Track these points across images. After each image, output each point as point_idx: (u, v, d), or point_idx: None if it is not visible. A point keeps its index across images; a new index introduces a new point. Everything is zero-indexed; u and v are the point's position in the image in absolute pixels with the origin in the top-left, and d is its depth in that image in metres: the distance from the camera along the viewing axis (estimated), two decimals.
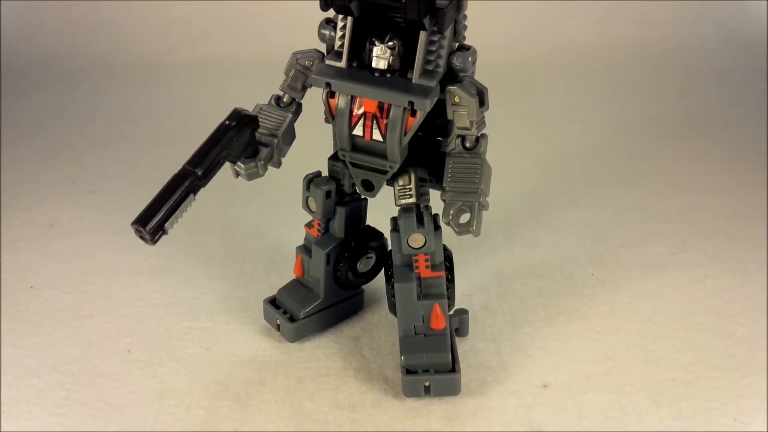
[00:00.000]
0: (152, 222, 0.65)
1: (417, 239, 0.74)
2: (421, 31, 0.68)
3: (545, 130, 1.31)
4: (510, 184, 1.12)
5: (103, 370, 0.80)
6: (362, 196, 0.81)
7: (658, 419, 0.75)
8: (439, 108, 0.71)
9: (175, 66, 1.52)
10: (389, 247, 0.80)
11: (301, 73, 0.75)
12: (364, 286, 0.88)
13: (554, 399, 0.77)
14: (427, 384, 0.75)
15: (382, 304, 0.88)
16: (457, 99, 0.70)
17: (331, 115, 0.72)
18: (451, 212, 0.70)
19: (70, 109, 1.38)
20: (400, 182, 0.74)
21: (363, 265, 0.84)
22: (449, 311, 0.80)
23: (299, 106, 0.77)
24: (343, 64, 0.71)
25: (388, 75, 0.70)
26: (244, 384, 0.79)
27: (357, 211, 0.83)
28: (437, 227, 0.76)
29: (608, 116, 1.36)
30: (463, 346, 0.83)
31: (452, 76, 0.71)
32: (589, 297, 0.91)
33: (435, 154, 0.75)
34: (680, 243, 1.01)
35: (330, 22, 0.73)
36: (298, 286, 0.86)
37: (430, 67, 0.69)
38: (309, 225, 0.84)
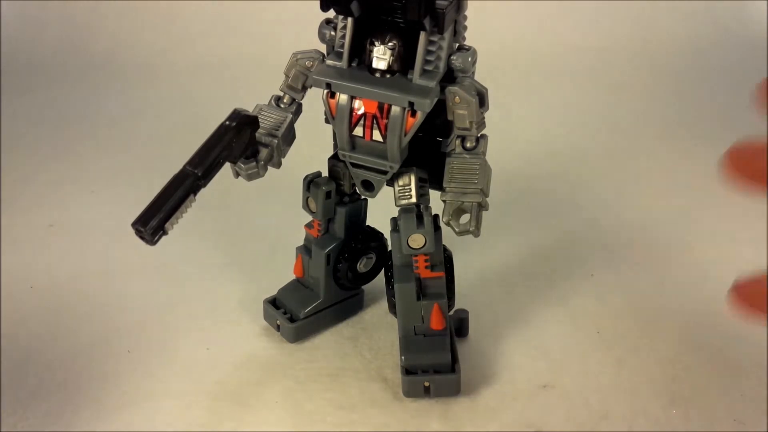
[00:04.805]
0: (152, 222, 0.65)
1: (417, 239, 0.74)
2: (421, 32, 0.68)
3: (546, 130, 1.31)
4: (510, 185, 1.12)
5: (103, 370, 0.80)
6: (362, 197, 0.81)
7: (658, 419, 0.75)
8: (439, 108, 0.71)
9: (175, 66, 1.52)
10: (389, 248, 0.80)
11: (302, 74, 0.75)
12: (364, 286, 0.88)
13: (554, 399, 0.77)
14: (426, 384, 0.75)
15: (382, 304, 0.88)
16: (457, 99, 0.70)
17: (331, 115, 0.72)
18: (451, 212, 0.70)
19: (70, 109, 1.38)
20: (400, 183, 0.74)
21: (363, 266, 0.84)
22: (449, 311, 0.80)
23: (299, 106, 0.77)
24: (343, 64, 0.71)
25: (388, 75, 0.70)
26: (244, 384, 0.79)
27: (357, 211, 0.83)
28: (437, 228, 0.76)
29: (609, 116, 1.36)
30: (463, 346, 0.83)
31: (452, 77, 0.71)
32: (589, 297, 0.91)
33: (435, 154, 0.75)
34: (681, 243, 1.01)
35: (330, 23, 0.73)
36: (298, 286, 0.86)
37: (430, 68, 0.69)
38: (309, 225, 0.84)
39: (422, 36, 0.68)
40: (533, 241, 1.02)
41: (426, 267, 0.76)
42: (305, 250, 0.84)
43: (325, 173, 0.81)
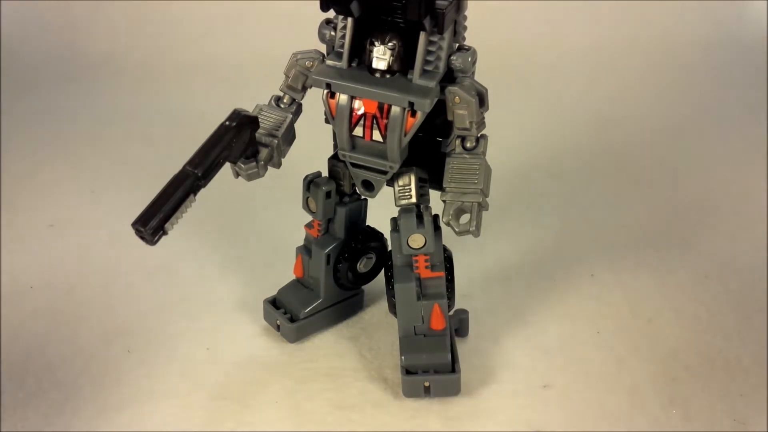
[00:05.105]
0: (152, 222, 0.65)
1: (417, 239, 0.74)
2: (421, 32, 0.68)
3: (546, 130, 1.31)
4: (510, 185, 1.12)
5: (103, 370, 0.80)
6: (362, 197, 0.81)
7: (657, 419, 0.75)
8: (439, 108, 0.71)
9: (175, 66, 1.52)
10: (389, 248, 0.80)
11: (302, 74, 0.75)
12: (364, 287, 0.88)
13: (554, 399, 0.77)
14: (426, 384, 0.75)
15: (382, 304, 0.88)
16: (457, 99, 0.70)
17: (331, 115, 0.72)
18: (451, 212, 0.70)
19: (70, 109, 1.38)
20: (400, 183, 0.74)
21: (363, 266, 0.84)
22: (449, 311, 0.80)
23: (299, 106, 0.77)
24: (343, 64, 0.71)
25: (388, 75, 0.70)
26: (244, 384, 0.79)
27: (357, 211, 0.83)
28: (437, 228, 0.76)
29: (608, 116, 1.36)
30: (463, 346, 0.83)
31: (452, 77, 0.71)
32: (589, 297, 0.91)
33: (435, 154, 0.75)
34: (681, 243, 1.01)
35: (330, 23, 0.73)
36: (298, 286, 0.86)
37: (430, 68, 0.69)
38: (309, 225, 0.84)
39: (422, 36, 0.68)
40: (533, 241, 1.02)
41: (426, 267, 0.76)
42: (305, 250, 0.84)
43: (325, 173, 0.81)
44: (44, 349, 0.83)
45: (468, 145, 0.72)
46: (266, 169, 0.75)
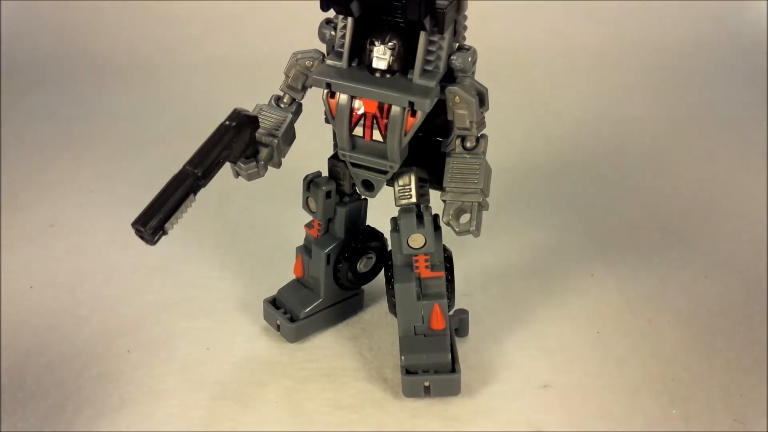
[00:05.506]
0: (152, 222, 0.65)
1: (417, 239, 0.74)
2: (421, 32, 0.68)
3: (546, 130, 1.31)
4: (511, 185, 1.12)
5: (103, 370, 0.80)
6: (362, 197, 0.81)
7: (657, 419, 0.75)
8: (439, 108, 0.71)
9: (175, 66, 1.52)
10: (389, 248, 0.80)
11: (302, 74, 0.75)
12: (364, 286, 0.88)
13: (554, 399, 0.77)
14: (426, 384, 0.75)
15: (382, 304, 0.88)
16: (457, 99, 0.70)
17: (331, 115, 0.72)
18: (451, 212, 0.70)
19: (70, 109, 1.38)
20: (400, 182, 0.74)
21: (363, 266, 0.84)
22: (449, 311, 0.80)
23: (299, 106, 0.77)
24: (343, 64, 0.71)
25: (388, 75, 0.70)
26: (243, 384, 0.79)
27: (357, 211, 0.83)
28: (437, 227, 0.76)
29: (608, 116, 1.36)
30: (463, 346, 0.83)
31: (452, 77, 0.71)
32: (589, 297, 0.91)
33: (435, 154, 0.75)
34: (680, 243, 1.01)
35: (330, 23, 0.73)
36: (298, 286, 0.86)
37: (430, 68, 0.69)
38: (309, 225, 0.84)
39: (422, 36, 0.68)
40: (533, 241, 1.01)
41: (426, 267, 0.76)
42: (305, 250, 0.84)
43: (325, 173, 0.81)
44: (44, 349, 0.83)
45: (468, 144, 0.72)
46: (266, 169, 0.75)
